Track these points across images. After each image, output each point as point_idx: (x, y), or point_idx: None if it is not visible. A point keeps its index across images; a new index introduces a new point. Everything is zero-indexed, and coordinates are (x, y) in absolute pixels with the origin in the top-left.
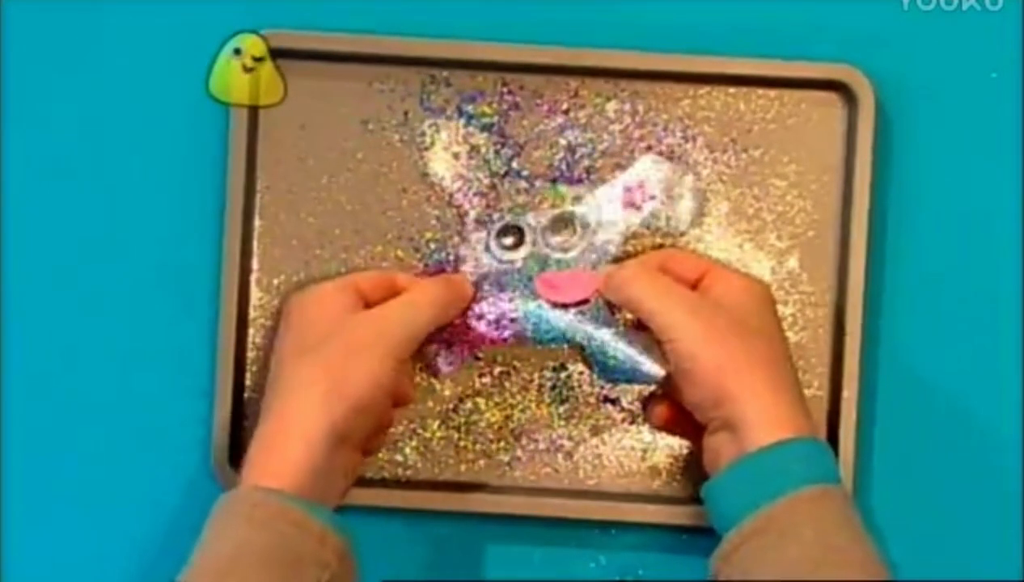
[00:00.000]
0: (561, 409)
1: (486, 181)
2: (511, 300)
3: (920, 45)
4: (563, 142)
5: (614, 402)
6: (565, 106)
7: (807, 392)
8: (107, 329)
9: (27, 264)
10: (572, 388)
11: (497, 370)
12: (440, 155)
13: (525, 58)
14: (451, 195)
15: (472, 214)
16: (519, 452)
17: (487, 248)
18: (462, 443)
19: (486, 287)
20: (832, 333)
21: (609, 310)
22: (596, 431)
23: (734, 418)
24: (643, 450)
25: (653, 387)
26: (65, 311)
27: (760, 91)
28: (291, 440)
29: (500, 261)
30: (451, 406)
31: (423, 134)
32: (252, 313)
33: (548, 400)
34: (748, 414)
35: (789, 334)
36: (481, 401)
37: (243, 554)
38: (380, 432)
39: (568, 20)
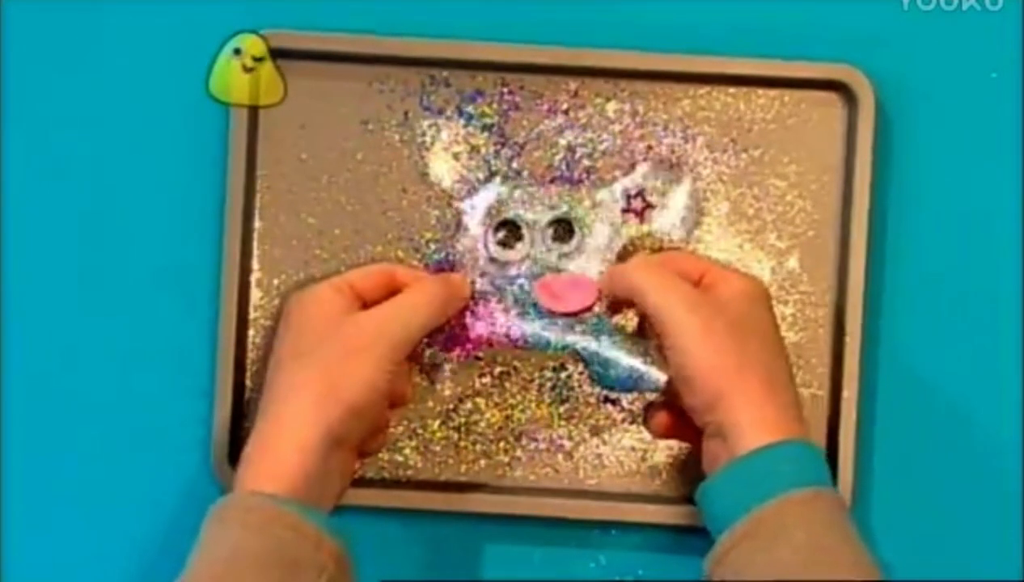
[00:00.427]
0: (561, 409)
1: (486, 181)
2: (510, 307)
3: (920, 45)
4: (563, 142)
5: (614, 402)
6: (565, 106)
7: (807, 392)
8: (107, 329)
9: (27, 264)
10: (572, 388)
11: (497, 370)
12: (440, 155)
13: (525, 58)
14: (451, 195)
15: (471, 214)
16: (519, 452)
17: (485, 247)
18: (462, 443)
19: (485, 288)
20: (832, 333)
21: (609, 317)
22: (596, 431)
23: (727, 422)
24: (643, 450)
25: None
26: (65, 311)
27: (760, 91)
28: (285, 444)
29: (498, 260)
30: (451, 406)
31: (423, 134)
32: (252, 313)
33: (548, 400)
34: (739, 417)
35: (789, 334)
36: (481, 401)
37: (239, 559)
38: (377, 433)
39: (568, 20)
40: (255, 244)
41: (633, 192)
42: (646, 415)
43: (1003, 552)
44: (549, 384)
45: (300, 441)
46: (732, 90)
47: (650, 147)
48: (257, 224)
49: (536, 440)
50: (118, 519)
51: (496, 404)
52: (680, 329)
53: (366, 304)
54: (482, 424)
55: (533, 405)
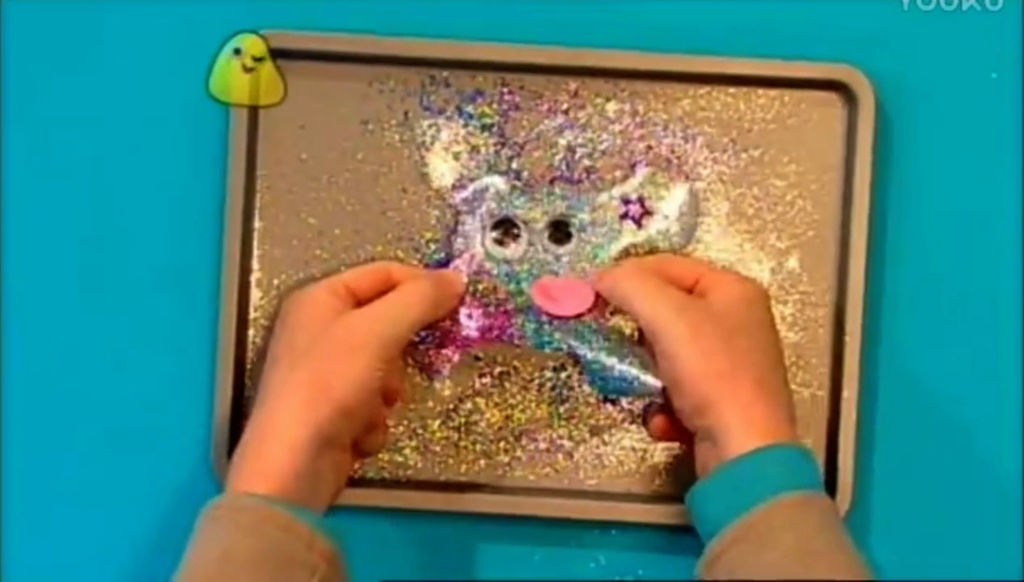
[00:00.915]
0: (561, 409)
1: (486, 181)
2: (507, 307)
3: (920, 45)
4: (563, 142)
5: (614, 402)
6: (565, 106)
7: (807, 392)
8: (107, 329)
9: (27, 264)
10: (572, 388)
11: (497, 370)
12: (440, 155)
13: (525, 58)
14: (451, 195)
15: (470, 214)
16: (519, 452)
17: (482, 245)
18: (462, 443)
19: (482, 288)
20: (832, 333)
21: (605, 322)
22: (596, 431)
23: (717, 426)
24: (643, 450)
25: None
26: (65, 311)
27: (760, 91)
28: (275, 444)
29: (495, 258)
30: (451, 406)
31: (423, 134)
32: (252, 313)
33: (548, 400)
34: (728, 421)
35: (789, 334)
36: (481, 401)
37: (231, 559)
38: (373, 432)
39: (568, 20)
40: (255, 244)
41: (632, 197)
42: (645, 417)
43: (1003, 552)
44: (549, 384)
45: (290, 441)
46: (732, 90)
47: (650, 147)
48: (257, 224)
49: (536, 440)
50: (118, 518)
51: (496, 404)
52: (668, 335)
53: (362, 303)
54: (482, 424)
55: (533, 405)
